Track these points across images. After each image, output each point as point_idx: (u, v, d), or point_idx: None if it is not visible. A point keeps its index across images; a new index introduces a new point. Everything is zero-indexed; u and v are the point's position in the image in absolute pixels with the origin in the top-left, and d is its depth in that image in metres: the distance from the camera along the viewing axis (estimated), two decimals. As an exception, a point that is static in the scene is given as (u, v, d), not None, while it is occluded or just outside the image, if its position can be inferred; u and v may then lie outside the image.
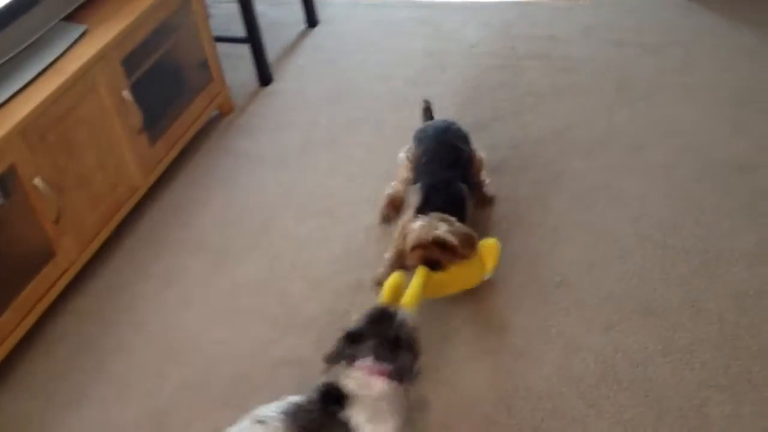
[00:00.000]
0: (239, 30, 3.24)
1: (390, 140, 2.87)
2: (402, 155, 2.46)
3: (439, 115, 2.62)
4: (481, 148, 2.50)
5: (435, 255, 2.07)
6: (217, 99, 3.07)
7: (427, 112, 2.60)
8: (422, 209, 2.18)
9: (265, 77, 3.31)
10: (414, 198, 2.25)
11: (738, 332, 2.03)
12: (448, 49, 3.36)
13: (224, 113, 3.15)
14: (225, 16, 3.58)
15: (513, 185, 2.59)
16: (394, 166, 2.52)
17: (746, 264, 2.20)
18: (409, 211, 2.23)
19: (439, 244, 2.06)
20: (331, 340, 1.72)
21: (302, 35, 3.60)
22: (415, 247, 2.09)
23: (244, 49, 3.26)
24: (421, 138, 2.42)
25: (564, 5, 3.52)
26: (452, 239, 2.06)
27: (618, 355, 2.02)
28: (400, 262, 2.20)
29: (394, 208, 2.50)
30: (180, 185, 2.83)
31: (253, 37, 3.23)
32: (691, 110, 2.81)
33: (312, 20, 3.64)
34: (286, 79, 3.33)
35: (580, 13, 3.45)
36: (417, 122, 2.60)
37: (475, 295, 2.21)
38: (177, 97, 2.90)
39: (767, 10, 3.21)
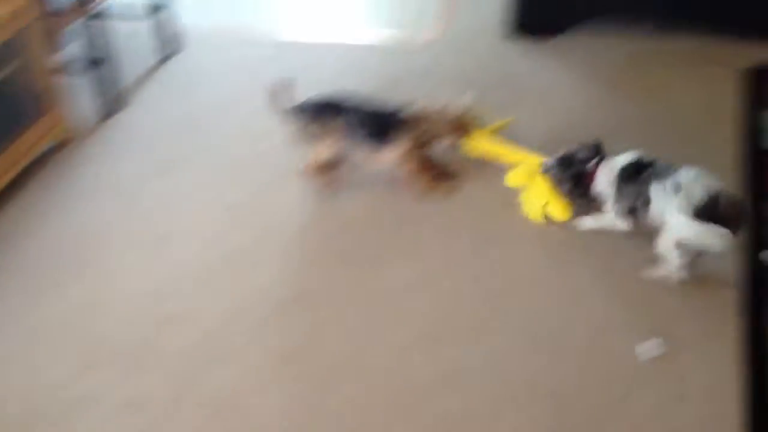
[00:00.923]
0: (90, 57, 3.28)
1: (231, 170, 2.99)
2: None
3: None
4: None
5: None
6: (56, 128, 3.10)
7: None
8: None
9: (113, 106, 3.36)
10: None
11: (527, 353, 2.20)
12: (297, 84, 3.47)
13: (66, 142, 3.18)
14: (75, 43, 3.62)
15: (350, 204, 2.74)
16: (232, 196, 2.71)
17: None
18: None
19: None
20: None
21: (155, 66, 3.68)
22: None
23: (93, 77, 3.31)
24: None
25: (407, 46, 3.71)
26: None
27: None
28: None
29: (324, 171, 2.80)
30: (9, 214, 2.84)
31: (102, 65, 3.29)
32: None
33: (166, 51, 3.71)
34: (134, 108, 3.40)
35: (420, 54, 3.64)
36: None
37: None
38: (10, 125, 2.91)
39: (588, 59, 3.46)
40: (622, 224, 2.45)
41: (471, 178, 2.78)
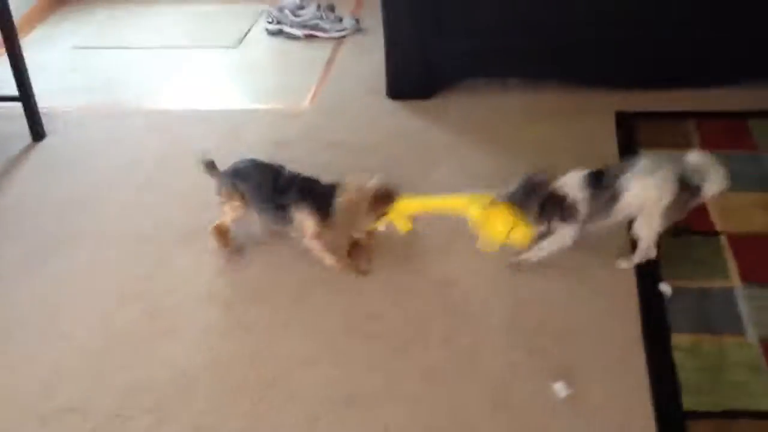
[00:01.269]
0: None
1: (124, 244, 2.87)
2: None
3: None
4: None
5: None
6: None
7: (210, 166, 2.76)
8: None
9: (-19, 193, 3.17)
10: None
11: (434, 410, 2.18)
12: (180, 155, 3.39)
13: (-67, 233, 2.96)
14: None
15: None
16: (127, 270, 2.66)
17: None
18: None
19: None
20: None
21: (27, 149, 3.50)
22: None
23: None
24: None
25: (289, 110, 3.70)
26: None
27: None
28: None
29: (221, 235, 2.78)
30: None
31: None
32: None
33: (37, 133, 3.55)
34: (4, 194, 3.21)
35: (303, 118, 3.63)
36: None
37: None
38: None
39: (465, 116, 3.56)
40: (571, 238, 2.55)
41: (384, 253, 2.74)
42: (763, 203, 2.80)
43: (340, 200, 2.56)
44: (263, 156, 2.78)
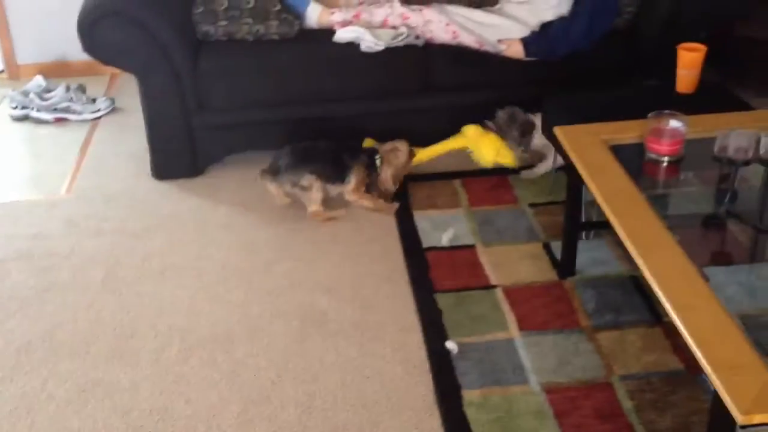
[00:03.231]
0: None
1: None
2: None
3: None
4: None
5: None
6: None
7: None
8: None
9: None
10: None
11: None
12: None
13: None
14: None
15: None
16: None
17: (234, 436, 2.24)
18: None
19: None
20: None
21: None
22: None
23: None
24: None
25: (46, 200, 3.42)
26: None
27: None
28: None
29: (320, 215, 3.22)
30: None
31: None
32: (179, 290, 2.86)
33: None
34: None
35: (62, 207, 3.36)
36: None
37: None
38: None
39: (238, 191, 3.46)
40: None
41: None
42: (529, 253, 2.97)
43: (386, 156, 3.27)
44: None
